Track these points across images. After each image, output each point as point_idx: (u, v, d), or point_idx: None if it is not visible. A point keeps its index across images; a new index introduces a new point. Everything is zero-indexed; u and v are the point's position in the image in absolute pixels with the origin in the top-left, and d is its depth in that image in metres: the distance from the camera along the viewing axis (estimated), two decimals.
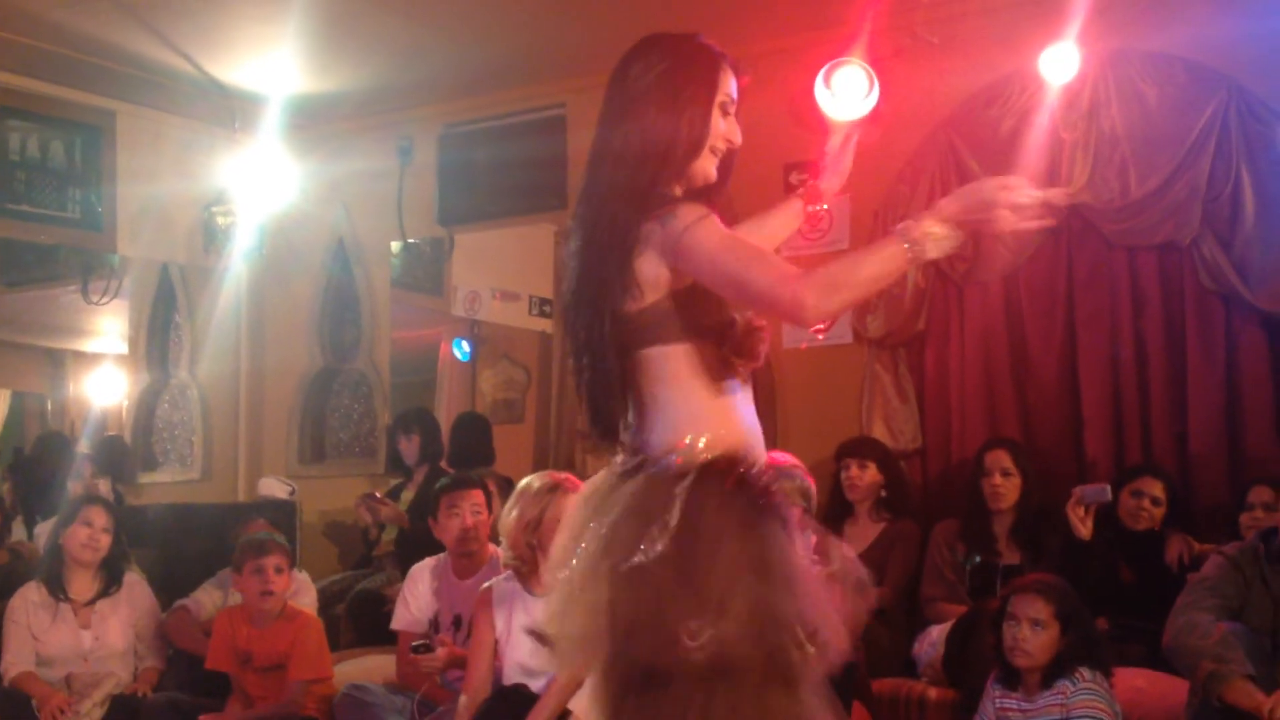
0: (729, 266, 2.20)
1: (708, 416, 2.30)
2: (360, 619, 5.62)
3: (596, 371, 2.36)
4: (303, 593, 5.16)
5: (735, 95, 2.41)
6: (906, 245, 2.15)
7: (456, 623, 4.44)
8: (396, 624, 4.65)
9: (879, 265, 2.16)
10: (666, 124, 2.33)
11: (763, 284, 2.17)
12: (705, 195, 2.41)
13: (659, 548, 2.16)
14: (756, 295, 2.20)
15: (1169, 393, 5.13)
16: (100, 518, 4.93)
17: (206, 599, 5.28)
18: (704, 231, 2.23)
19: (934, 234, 2.16)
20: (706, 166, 2.40)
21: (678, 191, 2.38)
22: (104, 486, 5.97)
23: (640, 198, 2.30)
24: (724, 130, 2.39)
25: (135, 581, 5.10)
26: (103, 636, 4.89)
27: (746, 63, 2.47)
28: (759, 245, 2.33)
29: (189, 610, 5.22)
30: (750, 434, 2.34)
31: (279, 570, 4.63)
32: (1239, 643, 3.53)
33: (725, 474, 2.24)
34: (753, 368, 2.33)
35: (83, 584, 4.92)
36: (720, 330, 2.29)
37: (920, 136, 5.55)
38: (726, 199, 2.49)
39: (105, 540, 4.92)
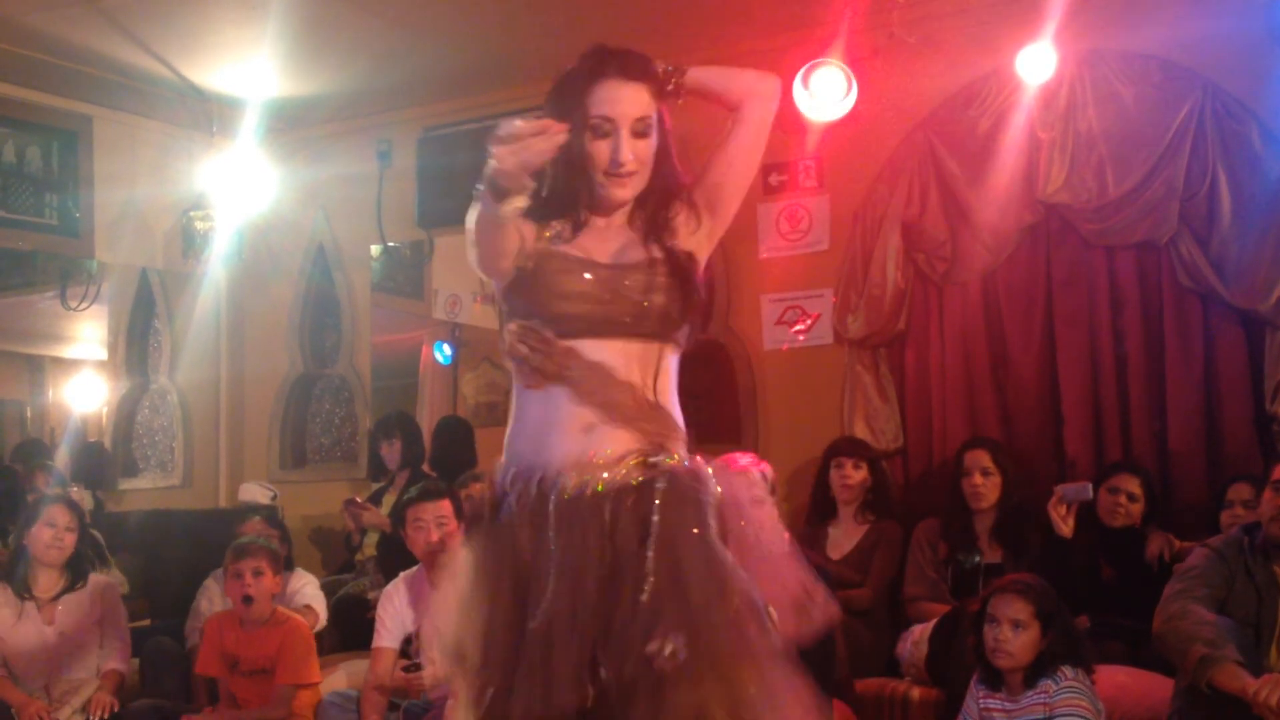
0: None
1: (512, 427, 2.34)
2: (343, 623, 5.59)
3: None
4: (308, 584, 5.28)
5: (612, 111, 2.24)
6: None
7: None
8: (378, 642, 4.49)
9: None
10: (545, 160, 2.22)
11: None
12: (649, 214, 2.34)
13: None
14: None
15: (1148, 391, 5.16)
16: (63, 517, 4.85)
17: (215, 586, 5.29)
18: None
19: (494, 161, 2.11)
20: (607, 192, 2.29)
21: (600, 216, 2.34)
22: (75, 493, 5.91)
23: None
24: (606, 151, 2.24)
25: (106, 583, 5.05)
26: (66, 631, 4.82)
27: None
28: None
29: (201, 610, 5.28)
30: (532, 439, 2.28)
31: (257, 573, 4.59)
32: (1230, 634, 3.56)
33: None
34: (536, 380, 2.26)
35: (47, 582, 4.85)
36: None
37: (898, 137, 5.57)
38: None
39: (70, 540, 4.84)
